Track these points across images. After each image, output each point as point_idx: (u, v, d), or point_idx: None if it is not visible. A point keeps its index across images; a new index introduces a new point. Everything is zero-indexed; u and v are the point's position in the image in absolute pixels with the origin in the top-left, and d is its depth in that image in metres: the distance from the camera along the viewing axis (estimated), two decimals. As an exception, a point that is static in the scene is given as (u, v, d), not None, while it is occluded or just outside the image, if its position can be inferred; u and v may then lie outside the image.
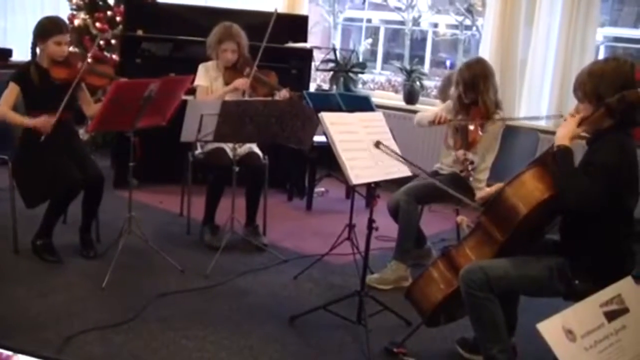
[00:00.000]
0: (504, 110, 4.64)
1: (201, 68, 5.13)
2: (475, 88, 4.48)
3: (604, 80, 2.95)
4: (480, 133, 4.38)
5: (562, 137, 2.96)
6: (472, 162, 4.16)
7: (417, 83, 7.36)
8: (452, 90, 4.70)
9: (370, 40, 8.92)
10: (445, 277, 3.27)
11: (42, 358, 1.57)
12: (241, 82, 4.97)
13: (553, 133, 3.08)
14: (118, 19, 7.25)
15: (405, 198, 4.43)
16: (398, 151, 3.87)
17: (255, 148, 5.08)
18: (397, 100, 7.48)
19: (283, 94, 5.00)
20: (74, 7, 7.54)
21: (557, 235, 3.20)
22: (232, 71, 5.10)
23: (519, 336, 3.41)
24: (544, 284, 3.00)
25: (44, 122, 4.22)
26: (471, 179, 4.23)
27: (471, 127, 4.38)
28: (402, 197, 4.45)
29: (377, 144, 3.67)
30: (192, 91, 5.09)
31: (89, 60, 4.54)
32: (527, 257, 3.08)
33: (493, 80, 4.56)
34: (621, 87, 2.91)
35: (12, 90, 4.38)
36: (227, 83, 5.09)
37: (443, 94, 5.83)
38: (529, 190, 3.03)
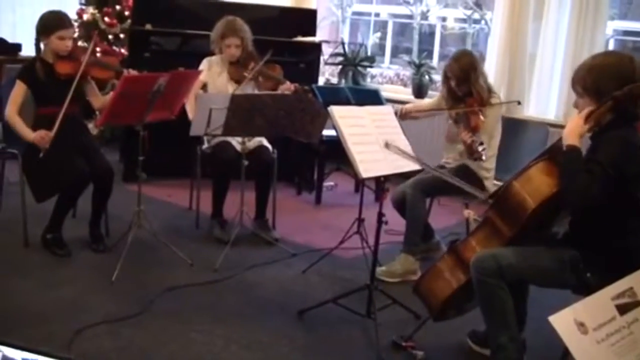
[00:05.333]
0: (497, 93, 4.66)
1: (204, 62, 5.13)
2: (467, 80, 4.50)
3: (604, 74, 2.93)
4: (482, 118, 4.39)
5: (571, 135, 2.93)
6: (481, 143, 4.15)
7: (426, 77, 7.34)
8: (441, 86, 4.73)
9: (378, 34, 8.90)
10: (453, 271, 3.27)
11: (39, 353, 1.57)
12: None
13: (563, 127, 3.06)
14: (127, 13, 7.26)
15: (412, 191, 4.43)
16: (408, 144, 3.87)
17: (265, 142, 5.08)
18: (406, 94, 7.47)
19: (287, 86, 5.00)
20: (83, 1, 7.55)
21: (564, 229, 3.20)
22: (236, 66, 5.10)
23: (528, 330, 3.40)
24: (555, 275, 3.00)
25: (42, 136, 4.20)
26: (484, 157, 4.20)
27: (471, 114, 4.40)
28: (409, 190, 4.45)
29: (387, 145, 3.68)
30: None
31: (98, 54, 4.54)
32: (540, 247, 3.07)
33: (481, 69, 4.61)
34: (622, 81, 2.88)
35: (19, 89, 4.38)
36: (231, 78, 5.10)
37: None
38: (537, 184, 3.02)
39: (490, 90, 4.57)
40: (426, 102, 5.08)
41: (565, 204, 2.98)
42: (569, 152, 2.90)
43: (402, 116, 4.78)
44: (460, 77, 4.50)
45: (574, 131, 2.93)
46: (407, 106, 4.88)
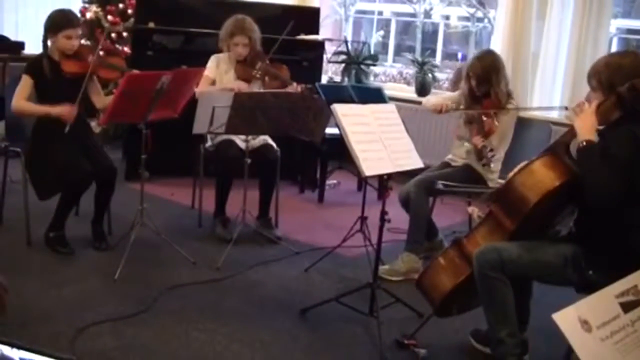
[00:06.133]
0: (515, 100, 4.62)
1: (212, 59, 5.12)
2: (488, 81, 4.46)
3: (620, 71, 2.93)
4: (496, 123, 4.36)
5: (586, 130, 2.92)
6: (491, 150, 4.14)
7: (429, 75, 7.33)
8: (462, 84, 4.68)
9: (381, 33, 8.90)
10: (456, 265, 3.27)
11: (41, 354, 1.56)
12: (239, 85, 4.93)
13: (566, 125, 3.05)
14: (130, 11, 7.26)
15: (416, 189, 4.43)
16: (411, 143, 3.87)
17: (269, 140, 5.07)
18: (409, 92, 7.46)
19: (294, 88, 4.99)
20: (86, -1, 7.57)
21: (566, 229, 3.19)
22: (243, 65, 5.09)
23: (531, 329, 3.39)
24: (557, 271, 2.99)
25: (69, 110, 4.25)
26: (492, 165, 4.20)
27: (485, 118, 4.36)
28: (413, 188, 4.44)
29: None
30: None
31: (100, 53, 4.55)
32: (543, 243, 3.07)
33: (504, 72, 4.54)
34: (635, 79, 2.88)
35: (26, 83, 4.38)
36: (238, 76, 5.08)
37: (455, 86, 5.82)
38: (539, 178, 3.02)
39: (509, 95, 4.53)
40: (449, 95, 4.98)
41: (587, 203, 2.96)
42: (588, 147, 2.89)
43: (442, 112, 4.68)
44: (481, 76, 4.46)
45: (589, 124, 2.93)
46: (446, 102, 4.69)
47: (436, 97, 4.86)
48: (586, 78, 3.08)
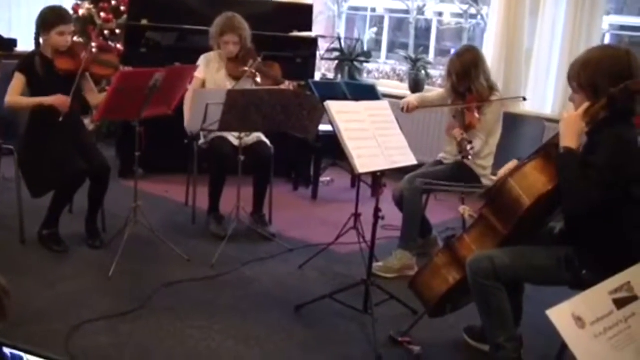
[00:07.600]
0: (500, 92, 4.65)
1: (202, 59, 5.10)
2: (467, 77, 4.50)
3: (599, 70, 2.87)
4: (477, 115, 4.40)
5: (569, 137, 2.87)
6: (470, 142, 4.18)
7: (423, 72, 7.33)
8: (445, 81, 4.72)
9: (375, 29, 8.88)
10: (448, 269, 3.26)
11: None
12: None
13: (559, 122, 3.02)
14: (122, 8, 7.24)
15: (409, 187, 4.43)
16: (404, 139, 3.88)
17: (263, 137, 5.07)
18: (402, 89, 7.45)
19: (286, 86, 4.99)
20: (79, -4, 7.54)
21: (560, 224, 3.18)
22: (234, 62, 5.09)
23: (525, 326, 3.40)
24: (551, 273, 2.98)
25: (62, 100, 4.24)
26: (470, 157, 4.23)
27: (467, 111, 4.41)
28: (406, 185, 4.45)
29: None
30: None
31: (93, 50, 4.54)
32: (535, 247, 3.06)
33: (484, 66, 4.58)
34: (618, 76, 2.83)
35: (19, 80, 4.36)
36: (230, 74, 5.08)
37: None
38: (531, 182, 2.98)
39: (492, 88, 4.56)
40: (435, 92, 5.04)
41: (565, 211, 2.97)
42: (565, 155, 2.85)
43: (408, 111, 4.78)
44: (460, 73, 4.50)
45: (572, 130, 2.88)
46: (412, 100, 4.85)
47: (412, 98, 4.91)
48: (567, 81, 3.05)
